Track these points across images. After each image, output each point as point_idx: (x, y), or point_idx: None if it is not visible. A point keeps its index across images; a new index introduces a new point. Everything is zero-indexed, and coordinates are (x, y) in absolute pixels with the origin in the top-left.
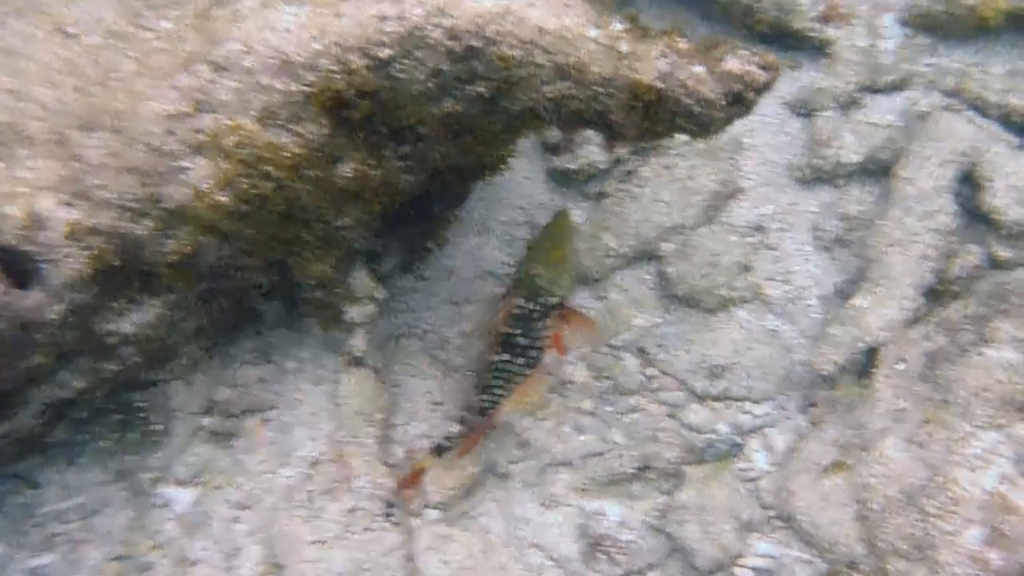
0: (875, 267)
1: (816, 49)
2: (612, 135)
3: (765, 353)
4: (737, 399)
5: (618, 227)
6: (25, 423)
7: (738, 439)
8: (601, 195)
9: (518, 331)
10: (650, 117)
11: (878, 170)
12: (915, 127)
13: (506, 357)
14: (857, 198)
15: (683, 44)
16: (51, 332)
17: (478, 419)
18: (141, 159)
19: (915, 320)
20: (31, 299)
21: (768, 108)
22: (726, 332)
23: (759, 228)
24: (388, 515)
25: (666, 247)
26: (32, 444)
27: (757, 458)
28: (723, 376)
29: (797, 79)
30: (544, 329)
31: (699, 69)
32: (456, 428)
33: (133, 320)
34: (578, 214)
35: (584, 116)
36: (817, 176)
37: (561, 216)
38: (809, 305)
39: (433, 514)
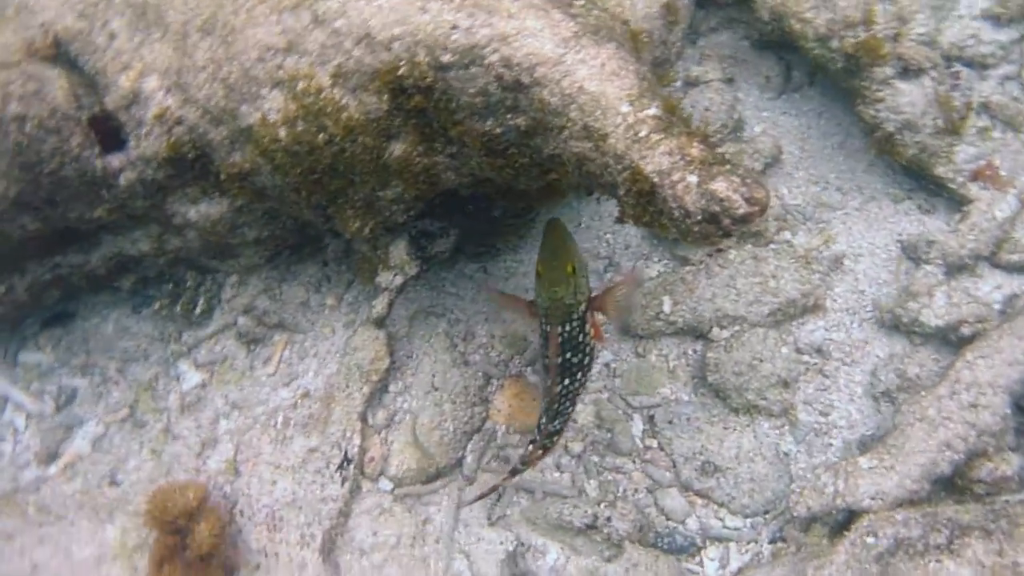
0: (896, 435)
1: (954, 201)
2: (620, 210)
3: (765, 471)
4: (717, 502)
5: (681, 295)
6: (94, 263)
7: (699, 541)
8: (684, 260)
9: (569, 353)
10: (640, 205)
11: (955, 342)
12: (1010, 315)
13: (567, 382)
14: (922, 361)
15: (696, 150)
16: (118, 195)
17: (549, 441)
18: (233, 74)
19: (909, 502)
20: (108, 162)
21: (883, 239)
22: (738, 435)
23: (819, 351)
24: (341, 468)
25: (717, 333)
26: (100, 284)
27: (708, 567)
28: (714, 475)
29: (922, 222)
30: (587, 334)
31: (692, 179)
32: (531, 450)
33: (199, 210)
34: (656, 269)
35: (599, 181)
36: (896, 324)
37: (555, 225)
38: (831, 444)
39: (385, 485)
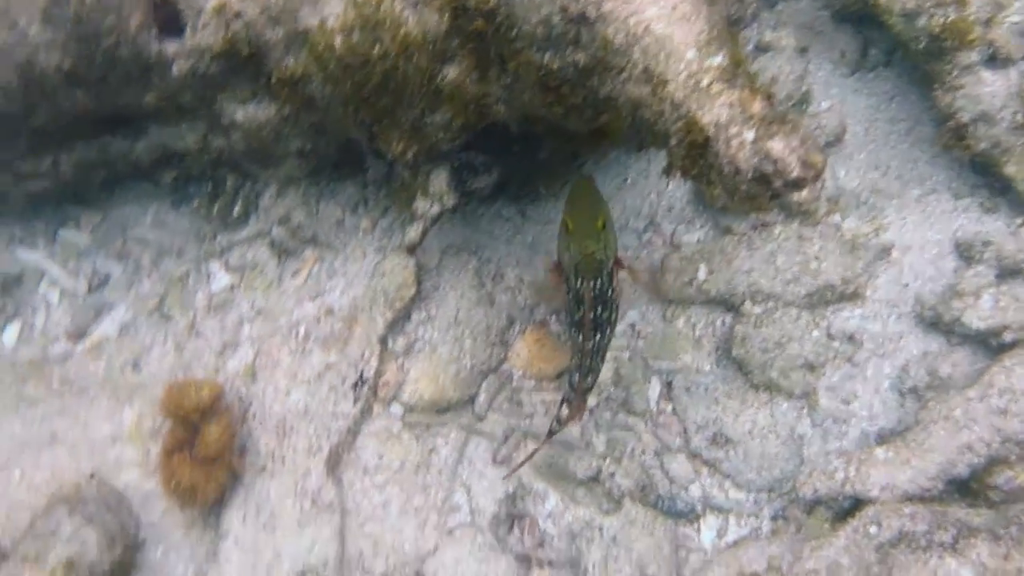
0: (917, 431)
1: (1018, 203)
2: (668, 161)
3: (776, 450)
4: (723, 473)
5: (718, 265)
6: (140, 151)
7: (699, 508)
8: (727, 230)
9: (599, 308)
10: (691, 157)
11: (995, 347)
12: None
13: (597, 337)
14: (957, 361)
15: (757, 106)
16: (170, 83)
17: (582, 398)
18: None
19: (919, 498)
20: (163, 47)
21: (937, 234)
22: (754, 411)
23: (851, 339)
24: (355, 387)
25: (749, 307)
26: (143, 175)
27: (704, 535)
28: (724, 447)
29: (981, 221)
30: (613, 289)
31: (748, 135)
32: (564, 411)
33: (247, 112)
34: (697, 236)
35: (652, 128)
36: (936, 322)
37: (583, 181)
38: (848, 432)
39: (397, 410)
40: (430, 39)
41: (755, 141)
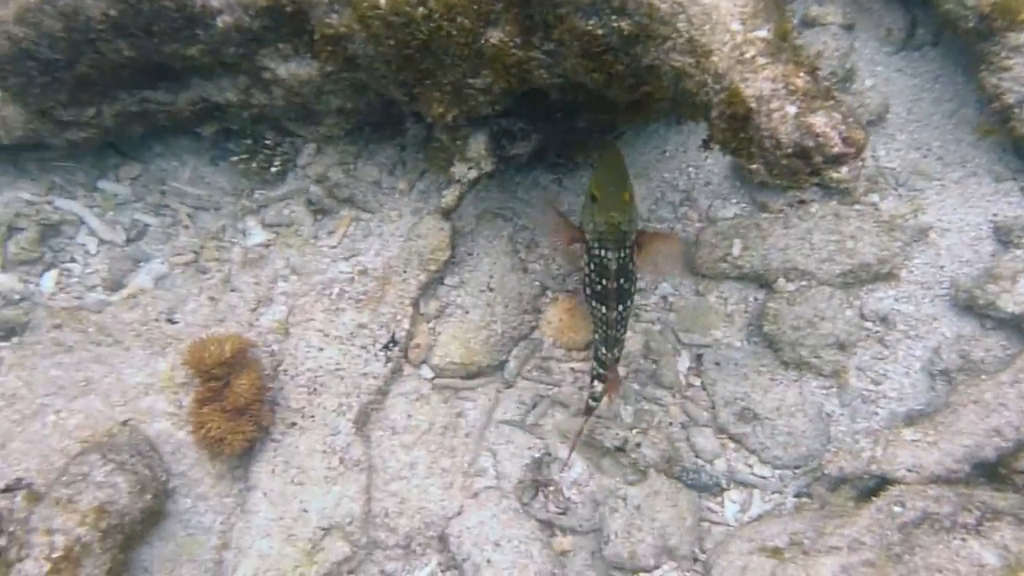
0: (947, 412)
1: None
2: (709, 133)
3: (804, 427)
4: (749, 449)
5: (753, 241)
6: (181, 103)
7: (723, 482)
8: (764, 207)
9: (622, 279)
10: (732, 130)
11: None
12: None
13: (621, 308)
14: (990, 346)
15: (801, 80)
16: (214, 37)
17: (613, 371)
18: None
19: (945, 480)
20: (206, 1)
21: (976, 217)
22: (783, 388)
23: (884, 320)
24: (386, 348)
25: (782, 284)
26: (184, 128)
27: (728, 508)
28: (751, 422)
29: (1022, 205)
30: (634, 262)
31: (790, 109)
32: (599, 386)
33: (289, 68)
34: (732, 211)
35: (693, 99)
36: (970, 305)
37: (612, 152)
38: (876, 413)
39: (427, 372)
40: (475, 1)
41: (797, 115)
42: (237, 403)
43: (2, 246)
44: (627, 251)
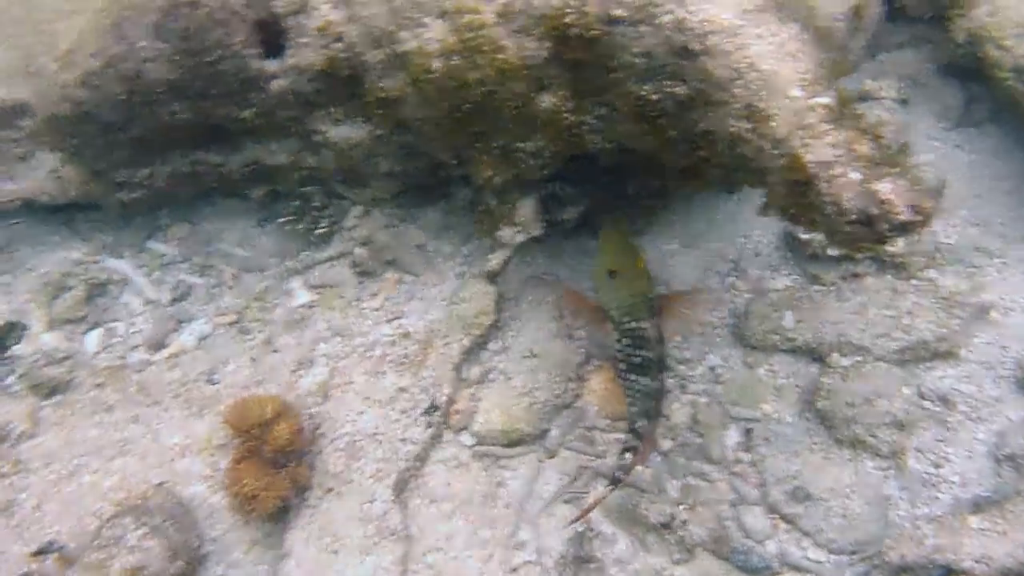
0: (1017, 501)
1: None
2: (767, 199)
3: (861, 511)
4: (802, 531)
5: (805, 314)
6: (232, 166)
7: (776, 565)
8: (815, 278)
9: (660, 347)
10: (792, 196)
11: None
12: None
13: (662, 376)
14: None
15: (865, 147)
16: (268, 100)
17: (649, 442)
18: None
19: (1016, 574)
20: (264, 65)
21: None
22: (838, 468)
23: (945, 400)
24: (426, 413)
25: (837, 359)
26: (233, 190)
27: None
28: (804, 503)
29: None
30: (660, 329)
31: (854, 175)
32: (628, 457)
33: (340, 131)
34: (784, 283)
35: (749, 165)
36: None
37: (614, 229)
38: (938, 498)
39: (467, 440)
40: (528, 65)
41: (861, 182)
42: (276, 447)
43: (49, 306)
44: (655, 318)
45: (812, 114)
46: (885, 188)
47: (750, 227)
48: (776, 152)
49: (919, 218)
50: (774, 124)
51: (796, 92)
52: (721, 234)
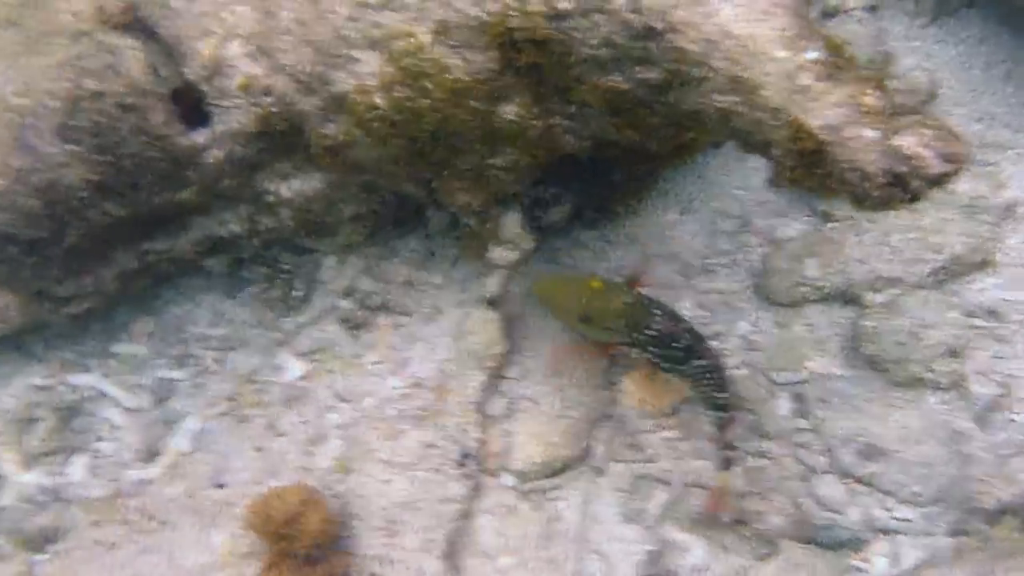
0: None
1: None
2: (775, 171)
3: (937, 453)
4: (882, 491)
5: (828, 257)
6: (183, 247)
7: (864, 534)
8: (827, 215)
9: (678, 340)
10: (803, 167)
11: None
12: None
13: (706, 354)
14: None
15: (872, 98)
16: (206, 174)
17: (733, 414)
18: (323, 37)
19: None
20: (192, 139)
21: None
22: (903, 414)
23: (993, 313)
24: (461, 464)
25: (872, 297)
26: (191, 268)
27: (877, 563)
28: (877, 460)
29: None
30: (668, 309)
31: (870, 133)
32: (727, 434)
33: (292, 187)
34: (797, 227)
35: (749, 139)
36: None
37: (546, 281)
38: (1013, 420)
39: (509, 480)
40: (481, 80)
41: (881, 139)
42: (308, 543)
43: (19, 444)
44: (654, 307)
45: (805, 74)
46: (909, 142)
47: (746, 176)
48: (776, 123)
49: (953, 166)
50: (766, 93)
51: (780, 53)
52: (717, 191)
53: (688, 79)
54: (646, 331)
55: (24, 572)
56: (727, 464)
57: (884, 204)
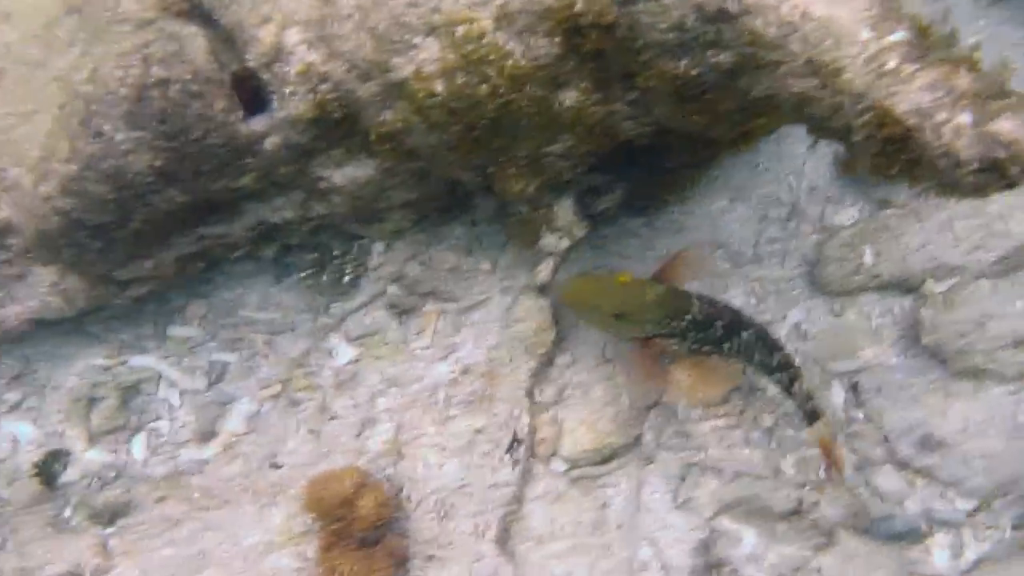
0: None
1: None
2: (851, 157)
3: (1001, 447)
4: (943, 482)
5: (886, 244)
6: (237, 233)
7: (923, 526)
8: (885, 202)
9: (717, 319)
10: (886, 154)
11: None
12: None
13: (749, 327)
14: None
15: (965, 80)
16: (264, 161)
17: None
18: (382, 23)
19: None
20: (251, 126)
21: None
22: (965, 405)
23: None
24: (511, 450)
25: (932, 286)
26: (242, 254)
27: (937, 555)
28: (937, 451)
29: None
30: (702, 297)
31: (964, 118)
32: (797, 387)
33: (345, 173)
34: (852, 214)
35: (826, 125)
36: None
37: (572, 286)
38: None
39: (559, 467)
40: (542, 66)
41: (974, 124)
42: (365, 526)
43: (85, 422)
44: (693, 295)
45: (891, 55)
46: (1006, 127)
47: (797, 161)
48: (858, 108)
49: None
50: (847, 76)
51: (864, 34)
52: (768, 177)
53: (763, 63)
54: (685, 317)
55: (98, 545)
56: (814, 416)
57: (977, 192)
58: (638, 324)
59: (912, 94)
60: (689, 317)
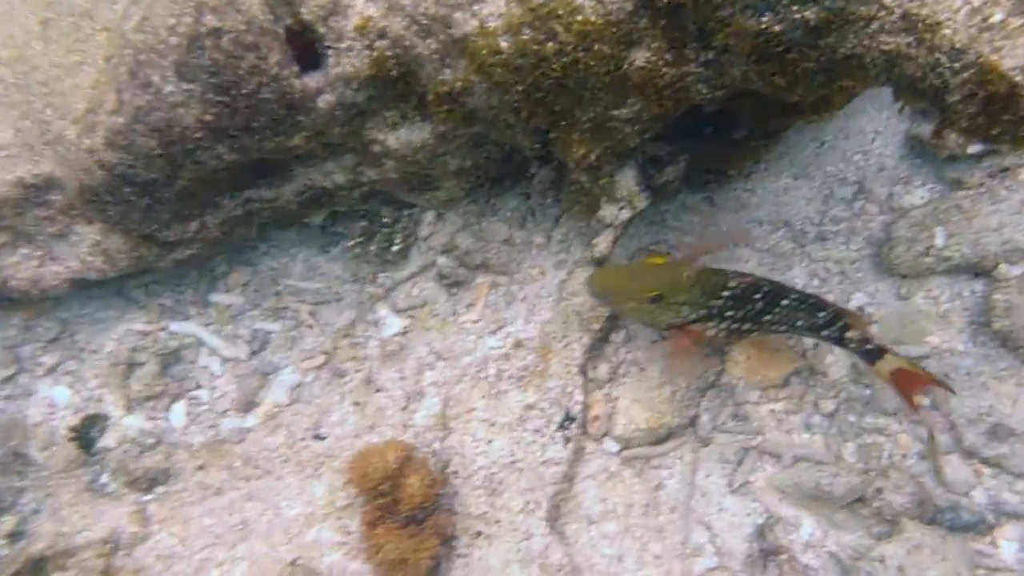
0: None
1: None
2: (943, 120)
3: None
4: (1012, 473)
5: (957, 226)
6: (287, 197)
7: (991, 517)
8: (958, 183)
9: (755, 293)
10: (988, 112)
11: None
12: None
13: (792, 294)
14: None
15: None
16: (317, 120)
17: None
18: None
19: None
20: (305, 82)
21: None
22: None
23: None
24: (563, 427)
25: (1006, 270)
26: (290, 219)
27: (1005, 548)
28: (1007, 441)
29: None
30: (734, 274)
31: None
32: (853, 335)
33: (400, 136)
34: (921, 195)
35: (918, 85)
36: None
37: (603, 275)
38: None
39: (611, 446)
40: (613, 22)
41: None
42: (411, 505)
43: (124, 387)
44: (723, 271)
45: (996, 8)
46: None
47: (865, 139)
48: (957, 65)
49: None
50: (947, 32)
51: None
52: (835, 155)
53: (852, 18)
54: (723, 294)
55: (137, 511)
56: (878, 354)
57: None
58: (674, 307)
59: (1020, 48)
60: (727, 293)
